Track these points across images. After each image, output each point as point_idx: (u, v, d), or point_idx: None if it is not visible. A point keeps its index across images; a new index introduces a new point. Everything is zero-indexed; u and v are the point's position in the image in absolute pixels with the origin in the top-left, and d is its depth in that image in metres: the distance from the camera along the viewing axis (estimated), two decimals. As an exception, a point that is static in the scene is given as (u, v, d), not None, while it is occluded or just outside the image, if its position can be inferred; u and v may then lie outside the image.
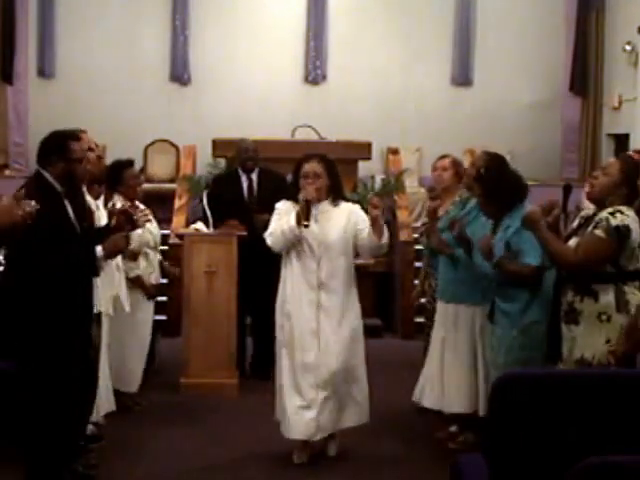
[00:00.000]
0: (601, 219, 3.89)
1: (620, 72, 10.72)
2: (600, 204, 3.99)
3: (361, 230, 4.68)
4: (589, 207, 4.21)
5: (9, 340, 4.07)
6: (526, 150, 10.81)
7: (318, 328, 4.64)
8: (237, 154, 6.88)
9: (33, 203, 3.68)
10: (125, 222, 4.33)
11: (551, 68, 11.29)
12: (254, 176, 6.69)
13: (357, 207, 4.85)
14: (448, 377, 4.93)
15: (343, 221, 4.70)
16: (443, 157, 5.60)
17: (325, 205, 4.72)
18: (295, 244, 4.65)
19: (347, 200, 4.88)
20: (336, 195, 4.76)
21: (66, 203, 4.09)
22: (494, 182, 4.56)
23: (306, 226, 4.55)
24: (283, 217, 4.66)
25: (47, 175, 4.06)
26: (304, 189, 4.62)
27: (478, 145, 10.43)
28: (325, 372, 4.61)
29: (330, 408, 4.64)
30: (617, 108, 10.79)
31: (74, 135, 4.16)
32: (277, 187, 6.61)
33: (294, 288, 4.68)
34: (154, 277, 5.85)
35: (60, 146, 4.08)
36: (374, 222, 4.57)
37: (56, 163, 4.06)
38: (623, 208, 3.90)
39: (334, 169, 4.76)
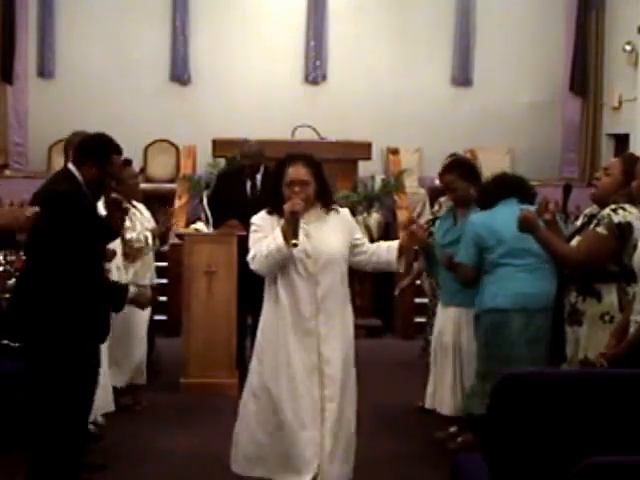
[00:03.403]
0: (603, 216, 3.85)
1: (620, 72, 10.72)
2: (603, 205, 3.95)
3: (360, 243, 4.14)
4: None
5: (24, 334, 4.09)
6: (526, 150, 10.83)
7: (320, 359, 3.96)
8: (239, 157, 6.89)
9: (36, 209, 3.69)
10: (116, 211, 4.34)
11: (551, 68, 11.30)
12: (258, 175, 6.69)
13: (346, 212, 4.22)
14: (466, 381, 4.89)
15: (339, 232, 4.05)
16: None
17: (315, 215, 4.04)
18: (286, 266, 3.94)
19: (335, 203, 4.22)
20: (326, 201, 4.08)
21: (92, 203, 4.10)
22: None
23: (295, 245, 3.82)
24: (264, 237, 3.97)
25: (77, 174, 4.04)
26: (289, 200, 3.92)
27: (478, 145, 10.46)
28: (331, 408, 3.95)
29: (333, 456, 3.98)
30: (617, 108, 10.80)
31: (118, 149, 4.13)
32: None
33: (287, 321, 3.95)
34: (149, 277, 5.84)
35: (103, 154, 4.05)
36: (405, 251, 4.03)
37: (91, 167, 4.03)
38: (626, 205, 3.85)
39: (322, 171, 4.07)
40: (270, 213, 4.04)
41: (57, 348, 3.96)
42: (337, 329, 4.02)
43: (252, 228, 4.07)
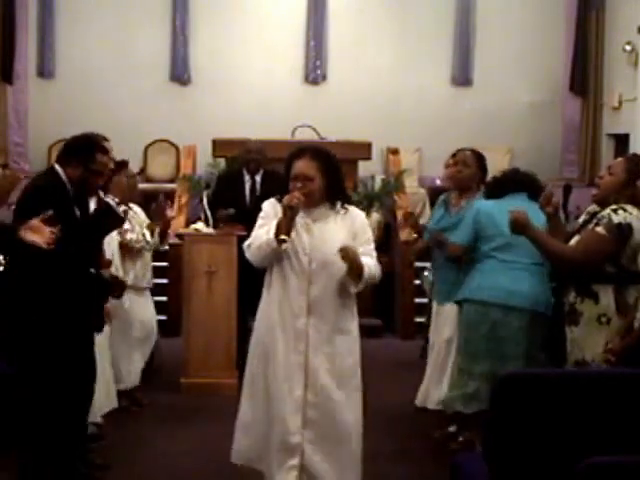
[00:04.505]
0: (603, 216, 3.82)
1: (620, 72, 10.72)
2: (605, 204, 3.91)
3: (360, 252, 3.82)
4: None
5: (9, 337, 4.08)
6: (526, 150, 10.82)
7: (306, 361, 3.80)
8: (242, 154, 6.90)
9: (56, 230, 3.66)
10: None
11: (551, 68, 11.29)
12: (258, 177, 6.70)
13: (362, 215, 4.00)
14: None
15: (344, 232, 3.84)
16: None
17: (321, 211, 3.86)
18: (280, 260, 3.81)
19: (350, 201, 4.02)
20: (335, 197, 3.87)
21: (74, 204, 4.09)
22: None
23: (283, 241, 3.69)
24: (265, 222, 3.85)
25: (61, 173, 4.05)
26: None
27: (478, 145, 10.45)
28: (314, 413, 3.80)
29: (318, 457, 3.80)
30: (617, 108, 10.80)
31: (103, 147, 4.14)
32: (280, 189, 6.61)
33: (277, 316, 3.84)
34: (147, 279, 5.84)
35: (87, 153, 4.06)
36: (349, 269, 3.74)
37: (75, 167, 4.05)
38: (627, 206, 3.81)
39: (332, 164, 3.87)
40: (279, 200, 3.87)
41: (43, 344, 3.96)
42: (330, 332, 3.82)
43: (260, 214, 3.94)
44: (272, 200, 3.94)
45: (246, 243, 3.92)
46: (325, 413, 3.81)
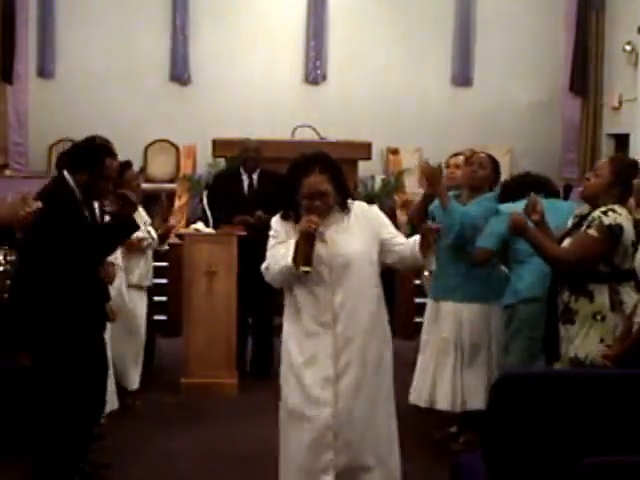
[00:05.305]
0: (594, 218, 3.90)
1: (620, 72, 10.73)
2: (593, 204, 4.00)
3: (390, 239, 3.76)
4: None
5: (12, 338, 4.08)
6: (526, 150, 10.83)
7: (335, 374, 3.70)
8: (239, 153, 6.91)
9: (38, 204, 3.64)
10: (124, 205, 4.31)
11: (551, 68, 11.30)
12: (255, 176, 6.71)
13: (373, 209, 3.88)
14: (468, 377, 4.92)
15: (361, 232, 3.74)
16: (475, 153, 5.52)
17: (334, 218, 3.73)
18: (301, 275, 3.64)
19: (354, 198, 3.87)
20: (344, 200, 3.75)
21: (84, 210, 4.08)
22: None
23: (306, 272, 3.56)
24: (279, 244, 3.71)
25: (70, 180, 4.04)
26: (308, 211, 3.62)
27: (478, 145, 10.45)
28: (346, 430, 3.71)
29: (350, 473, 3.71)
30: (617, 108, 10.80)
31: (111, 151, 4.10)
32: (277, 189, 6.62)
33: (303, 329, 3.71)
34: (150, 277, 5.86)
35: (95, 159, 4.03)
36: (427, 247, 3.66)
37: (83, 173, 4.02)
38: (615, 207, 3.91)
39: (337, 170, 3.74)
40: (284, 218, 3.75)
41: (46, 346, 3.96)
42: (361, 336, 3.74)
43: (270, 232, 3.79)
44: (277, 217, 3.80)
45: (263, 266, 3.75)
46: (355, 426, 3.74)
